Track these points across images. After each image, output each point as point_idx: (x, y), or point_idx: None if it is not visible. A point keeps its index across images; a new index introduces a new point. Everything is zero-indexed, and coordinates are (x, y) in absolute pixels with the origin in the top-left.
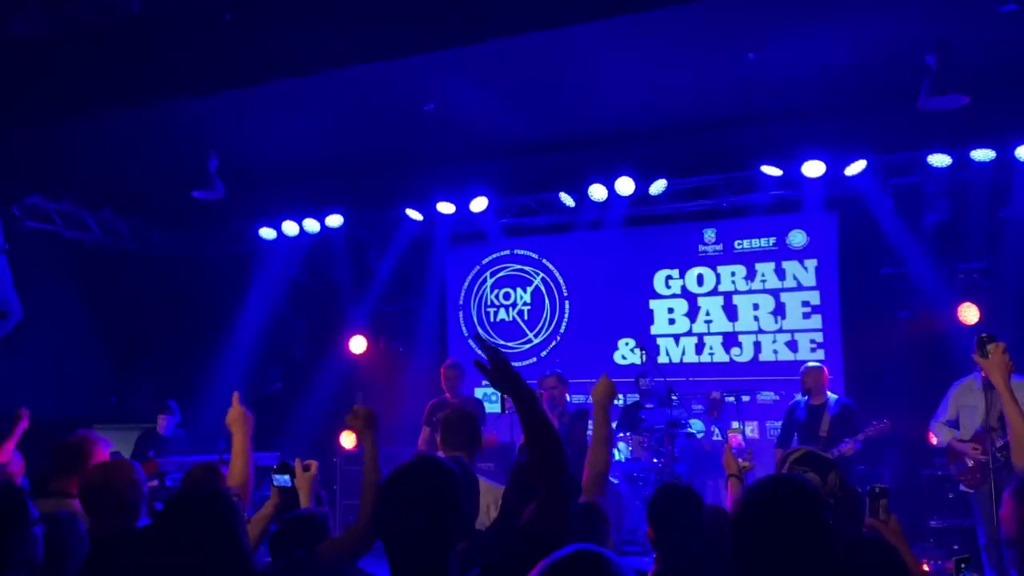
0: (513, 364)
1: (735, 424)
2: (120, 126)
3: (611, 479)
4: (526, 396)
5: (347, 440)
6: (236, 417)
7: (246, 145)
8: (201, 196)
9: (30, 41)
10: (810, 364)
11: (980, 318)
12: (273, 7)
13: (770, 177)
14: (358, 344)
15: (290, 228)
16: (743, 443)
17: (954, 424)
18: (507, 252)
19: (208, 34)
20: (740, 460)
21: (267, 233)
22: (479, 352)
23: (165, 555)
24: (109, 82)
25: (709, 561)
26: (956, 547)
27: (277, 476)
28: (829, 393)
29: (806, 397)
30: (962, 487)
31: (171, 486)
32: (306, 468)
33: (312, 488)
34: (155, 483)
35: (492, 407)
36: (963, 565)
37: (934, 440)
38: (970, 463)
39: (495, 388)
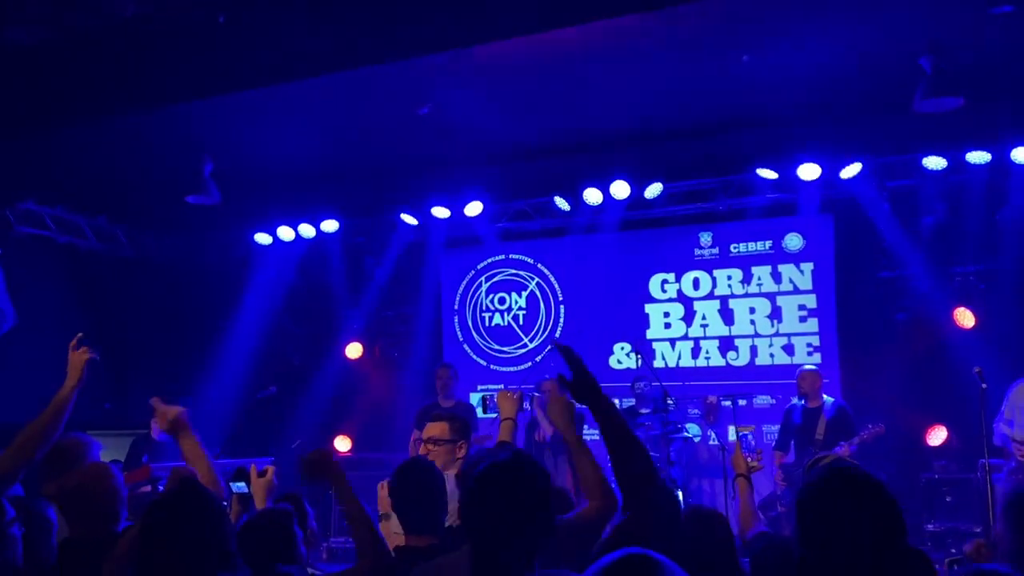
0: (513, 368)
1: (746, 425)
2: (114, 131)
3: None
4: (605, 406)
5: (342, 444)
6: (263, 483)
7: (241, 150)
8: (196, 201)
9: (24, 47)
10: (806, 368)
11: (976, 322)
12: (267, 10)
13: (766, 180)
14: (354, 349)
15: (285, 233)
16: (753, 443)
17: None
18: (502, 257)
19: (202, 38)
20: (749, 460)
21: (262, 238)
22: (563, 359)
23: (149, 556)
24: (103, 87)
25: (686, 562)
26: (953, 551)
27: (234, 484)
28: (825, 396)
29: (802, 401)
30: None
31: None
32: (261, 473)
33: (269, 493)
34: (148, 488)
35: (478, 409)
36: (955, 566)
37: (996, 440)
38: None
39: (577, 400)
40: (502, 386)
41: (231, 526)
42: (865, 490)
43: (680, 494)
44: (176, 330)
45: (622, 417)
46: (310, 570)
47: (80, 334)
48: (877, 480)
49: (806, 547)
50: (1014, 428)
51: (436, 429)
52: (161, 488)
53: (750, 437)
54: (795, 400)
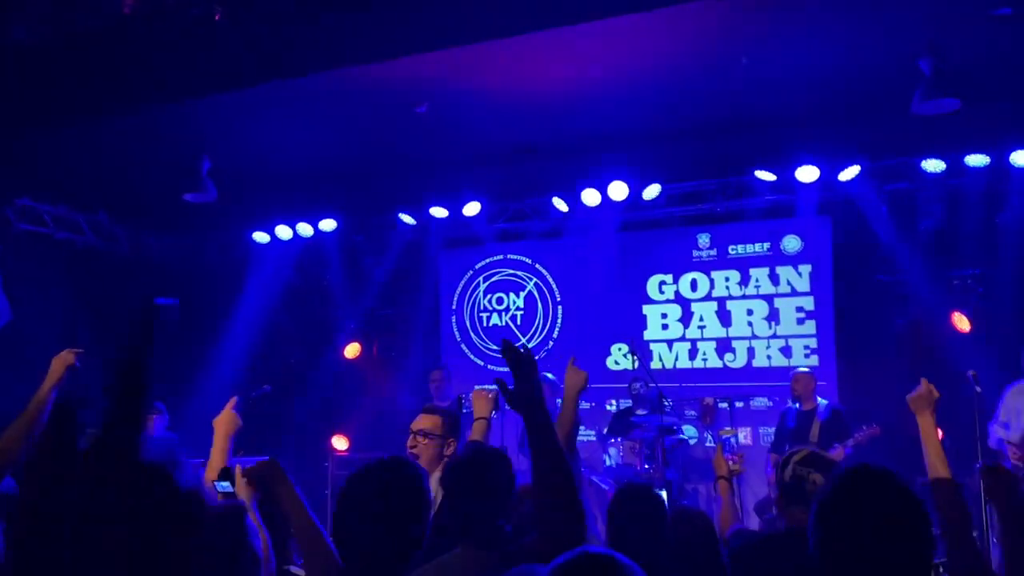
0: (508, 369)
1: (729, 428)
2: (113, 129)
3: (601, 484)
4: (539, 423)
5: (339, 443)
6: (222, 419)
7: (240, 149)
8: (193, 199)
9: (24, 45)
10: (800, 370)
11: (972, 326)
12: (264, 8)
13: (764, 182)
14: (352, 349)
15: (283, 232)
16: (735, 446)
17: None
18: (500, 257)
19: (199, 36)
20: (731, 463)
21: (260, 237)
22: (507, 361)
23: None
24: (101, 85)
25: (671, 564)
26: None
27: (219, 483)
28: (819, 399)
29: (797, 404)
30: None
31: None
32: (246, 473)
33: (253, 494)
34: None
35: None
36: (942, 569)
37: (991, 442)
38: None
39: (513, 408)
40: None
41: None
42: (898, 497)
43: (664, 494)
44: (173, 328)
45: (556, 441)
46: (293, 568)
47: (81, 350)
48: (908, 486)
49: (827, 560)
50: (1009, 431)
51: (428, 422)
52: None
53: (732, 440)
54: (790, 403)
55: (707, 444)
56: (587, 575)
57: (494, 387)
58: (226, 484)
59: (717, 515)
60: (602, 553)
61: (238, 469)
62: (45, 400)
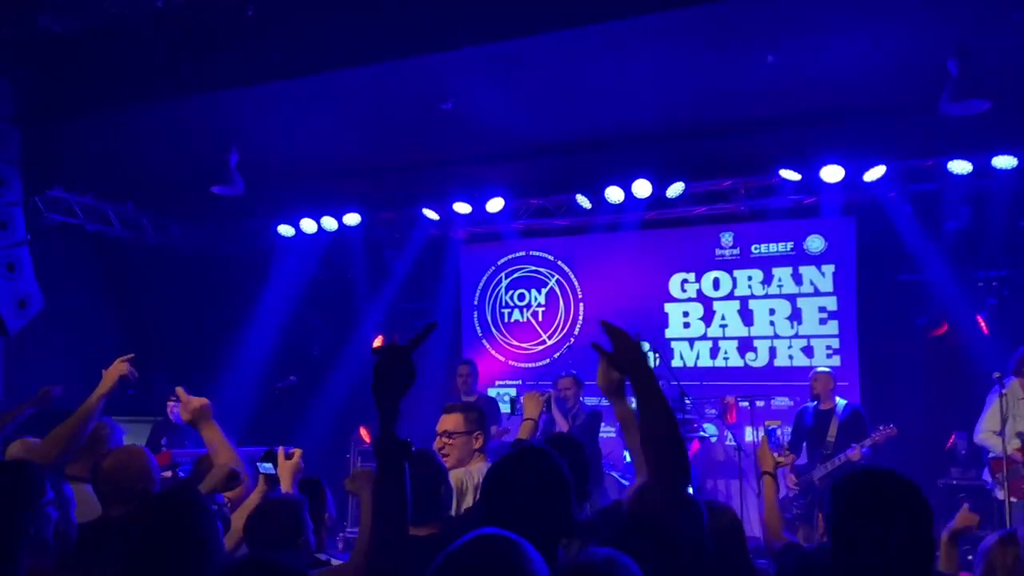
0: (531, 364)
1: (773, 420)
2: (142, 121)
3: (621, 480)
4: (645, 380)
5: (365, 435)
6: (289, 464)
7: (266, 142)
8: (220, 192)
9: (55, 35)
10: (819, 370)
11: (988, 331)
12: (295, 3)
13: (788, 181)
14: (377, 342)
15: (308, 226)
16: (781, 438)
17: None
18: (522, 253)
19: (230, 30)
20: (776, 456)
21: (285, 230)
22: (607, 334)
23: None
24: (132, 76)
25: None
26: (969, 558)
27: (262, 464)
28: (838, 398)
29: (815, 403)
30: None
31: (184, 477)
32: (289, 456)
33: (295, 475)
34: (168, 474)
35: (505, 407)
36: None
37: (993, 452)
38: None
39: (619, 370)
40: (519, 382)
41: (212, 529)
42: (902, 496)
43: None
44: (198, 319)
45: (662, 397)
46: (323, 556)
47: (132, 355)
48: (914, 485)
49: (841, 554)
50: (1007, 437)
51: (450, 422)
52: (182, 474)
53: (778, 432)
54: (809, 403)
55: (727, 443)
56: (483, 555)
57: (547, 390)
58: (269, 465)
59: (753, 514)
60: (498, 534)
61: (280, 452)
62: (94, 408)
